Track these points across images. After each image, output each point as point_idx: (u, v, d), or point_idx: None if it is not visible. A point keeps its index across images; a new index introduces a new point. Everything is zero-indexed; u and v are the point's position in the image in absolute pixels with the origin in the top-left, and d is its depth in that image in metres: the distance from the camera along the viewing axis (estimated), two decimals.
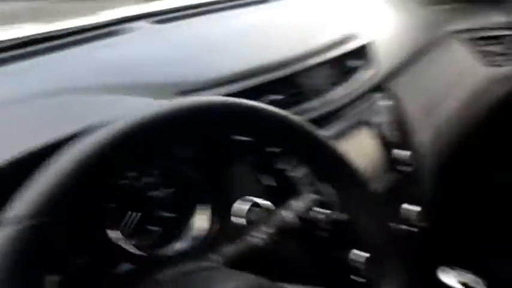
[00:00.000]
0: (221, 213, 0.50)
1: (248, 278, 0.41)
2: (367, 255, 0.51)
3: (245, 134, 0.47)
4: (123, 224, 0.46)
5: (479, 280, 0.65)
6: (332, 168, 0.51)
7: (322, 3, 0.99)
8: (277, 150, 0.53)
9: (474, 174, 1.10)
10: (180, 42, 0.70)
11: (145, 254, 0.45)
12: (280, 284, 0.44)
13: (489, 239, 1.07)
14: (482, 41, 1.11)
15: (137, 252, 0.45)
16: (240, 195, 0.50)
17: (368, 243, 0.53)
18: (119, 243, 0.44)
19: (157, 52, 0.66)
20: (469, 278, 0.65)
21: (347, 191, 0.52)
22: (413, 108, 0.84)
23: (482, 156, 1.08)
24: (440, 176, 0.84)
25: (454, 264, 0.69)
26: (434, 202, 0.82)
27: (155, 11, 0.82)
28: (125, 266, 0.43)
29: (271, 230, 0.51)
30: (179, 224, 0.49)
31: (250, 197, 0.50)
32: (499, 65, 1.12)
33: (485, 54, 1.11)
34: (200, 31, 0.75)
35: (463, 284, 0.64)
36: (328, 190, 0.53)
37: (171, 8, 0.85)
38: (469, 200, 1.07)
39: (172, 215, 0.49)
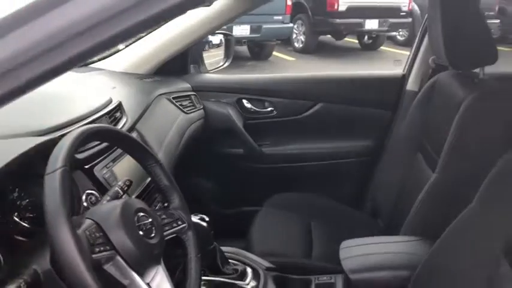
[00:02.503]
0: None
1: None
2: None
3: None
4: None
5: None
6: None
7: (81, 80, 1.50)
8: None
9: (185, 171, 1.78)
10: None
11: None
12: None
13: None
14: (177, 99, 1.82)
15: None
16: None
17: None
18: None
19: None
20: None
21: None
22: (151, 138, 1.43)
23: (187, 162, 1.75)
24: (172, 172, 1.46)
25: None
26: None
27: None
28: None
29: None
30: None
31: None
32: (190, 112, 1.85)
33: (181, 106, 1.81)
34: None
35: None
36: None
37: None
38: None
39: None
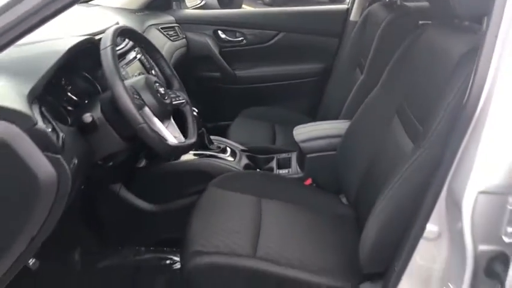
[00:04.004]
0: None
1: None
2: None
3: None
4: None
5: None
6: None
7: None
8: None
9: None
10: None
11: None
12: None
13: None
14: (164, 29, 2.22)
15: None
16: None
17: None
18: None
19: None
20: None
21: None
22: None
23: None
24: None
25: None
26: None
27: None
28: None
29: None
30: None
31: None
32: (175, 40, 2.25)
33: (168, 35, 2.22)
34: None
35: None
36: None
37: None
38: None
39: None
